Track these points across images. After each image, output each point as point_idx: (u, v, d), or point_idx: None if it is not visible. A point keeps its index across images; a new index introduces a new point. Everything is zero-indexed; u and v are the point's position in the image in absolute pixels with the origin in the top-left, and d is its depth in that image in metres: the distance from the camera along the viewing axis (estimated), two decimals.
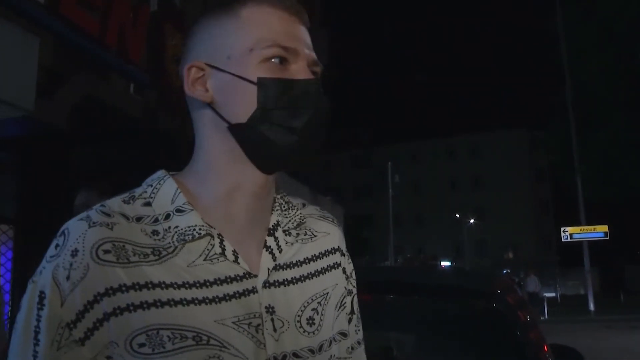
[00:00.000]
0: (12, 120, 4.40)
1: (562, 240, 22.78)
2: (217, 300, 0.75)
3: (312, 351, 0.82)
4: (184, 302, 0.73)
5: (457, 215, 48.50)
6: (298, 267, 0.85)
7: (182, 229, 0.77)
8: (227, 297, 0.76)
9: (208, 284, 0.76)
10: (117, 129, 6.04)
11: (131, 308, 0.72)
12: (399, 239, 43.46)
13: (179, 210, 0.78)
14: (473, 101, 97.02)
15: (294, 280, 0.84)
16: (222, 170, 0.81)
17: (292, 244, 0.86)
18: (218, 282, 0.76)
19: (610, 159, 20.12)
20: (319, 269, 0.88)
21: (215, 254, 0.78)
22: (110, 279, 0.72)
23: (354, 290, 0.96)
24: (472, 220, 48.87)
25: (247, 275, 0.79)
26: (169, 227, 0.77)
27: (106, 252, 0.72)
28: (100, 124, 5.91)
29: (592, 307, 21.49)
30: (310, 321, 0.83)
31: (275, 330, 0.79)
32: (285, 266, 0.84)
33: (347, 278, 0.94)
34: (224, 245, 0.78)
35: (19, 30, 4.26)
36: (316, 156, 0.84)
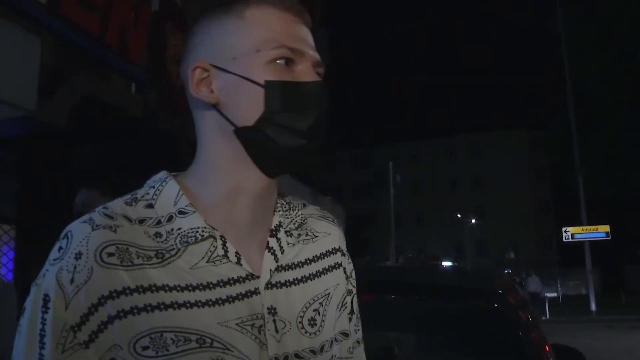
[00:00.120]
0: (12, 120, 4.40)
1: (564, 240, 22.77)
2: (220, 302, 0.75)
3: (313, 352, 0.82)
4: (188, 305, 0.73)
5: (458, 215, 48.50)
6: (300, 267, 0.85)
7: (184, 231, 0.76)
8: (230, 299, 0.76)
9: (211, 286, 0.76)
10: (117, 128, 6.04)
11: (135, 311, 0.71)
12: (400, 239, 43.44)
13: (181, 212, 0.78)
14: (473, 101, 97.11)
15: (296, 281, 0.84)
16: (226, 172, 0.80)
17: (293, 244, 0.86)
18: (221, 284, 0.76)
19: (610, 159, 20.11)
20: (321, 270, 0.88)
21: (218, 255, 0.77)
22: (114, 282, 0.71)
23: (354, 290, 0.96)
24: (472, 220, 48.87)
25: (249, 277, 0.79)
26: (172, 229, 0.77)
27: (110, 255, 0.72)
28: (100, 124, 5.91)
29: (593, 307, 21.50)
30: (312, 322, 0.83)
31: (277, 331, 0.78)
32: (287, 267, 0.84)
33: (347, 278, 0.94)
34: (227, 247, 0.78)
35: (19, 30, 4.26)
36: (321, 157, 0.84)
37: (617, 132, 19.72)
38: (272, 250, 0.83)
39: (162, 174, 0.84)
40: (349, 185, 56.72)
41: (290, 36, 0.79)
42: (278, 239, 0.84)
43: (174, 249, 0.76)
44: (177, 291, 0.74)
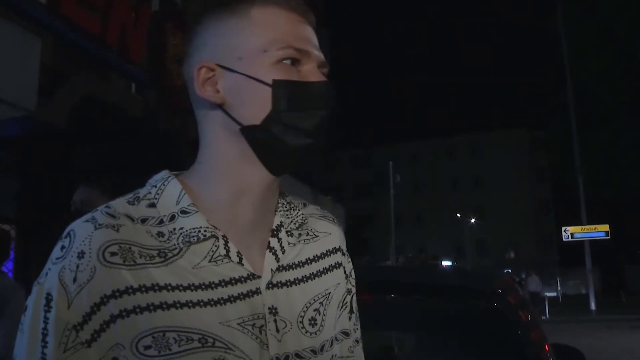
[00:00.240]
0: (13, 120, 4.40)
1: (564, 239, 22.79)
2: (222, 302, 0.75)
3: (314, 351, 0.82)
4: (190, 304, 0.74)
5: (458, 215, 48.50)
6: (300, 267, 0.86)
7: (187, 231, 0.77)
8: (232, 299, 0.76)
9: (213, 285, 0.76)
10: (117, 128, 6.05)
11: (137, 310, 0.72)
12: (400, 239, 43.46)
13: (183, 212, 0.78)
14: (473, 101, 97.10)
15: (297, 281, 0.84)
16: (230, 172, 0.80)
17: (294, 244, 0.86)
18: (223, 283, 0.76)
19: (610, 159, 20.11)
20: (321, 269, 0.89)
21: (220, 255, 0.78)
22: (116, 281, 0.72)
23: (353, 290, 0.97)
24: (472, 220, 48.88)
25: (251, 277, 0.79)
26: (174, 229, 0.77)
27: (113, 254, 0.72)
28: (100, 124, 5.92)
29: (593, 306, 21.50)
30: (312, 322, 0.84)
31: (278, 331, 0.79)
32: (288, 267, 0.84)
33: (346, 277, 0.95)
34: (229, 247, 0.78)
35: (19, 30, 4.26)
36: (326, 157, 0.84)
37: (617, 132, 19.72)
38: (273, 250, 0.83)
39: (164, 173, 0.84)
40: (349, 185, 56.72)
41: (296, 36, 0.80)
42: (279, 239, 0.84)
43: (176, 248, 0.76)
44: (180, 291, 0.74)
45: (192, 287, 0.75)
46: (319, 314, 0.85)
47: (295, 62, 0.79)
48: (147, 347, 0.71)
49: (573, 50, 22.09)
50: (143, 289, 0.72)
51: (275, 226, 0.85)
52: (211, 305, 0.75)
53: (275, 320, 0.79)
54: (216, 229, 0.78)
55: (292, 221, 0.88)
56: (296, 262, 0.85)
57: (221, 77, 0.79)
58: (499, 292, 2.38)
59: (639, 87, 19.49)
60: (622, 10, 19.05)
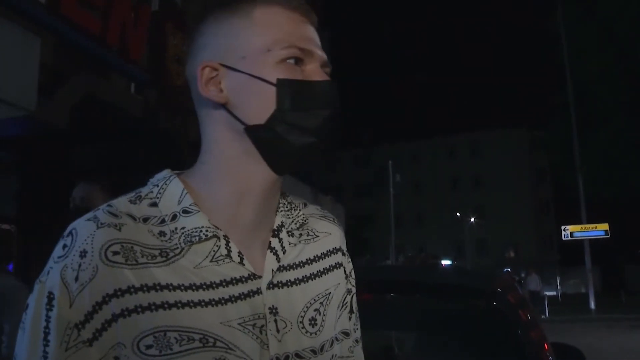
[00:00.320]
0: (13, 120, 4.40)
1: (563, 238, 22.80)
2: (223, 301, 0.76)
3: (314, 351, 0.82)
4: (191, 304, 0.74)
5: (458, 215, 48.49)
6: (301, 267, 0.86)
7: (188, 230, 0.77)
8: (233, 299, 0.76)
9: (214, 285, 0.76)
10: (117, 128, 6.05)
11: (139, 310, 0.72)
12: (400, 239, 43.43)
13: (185, 211, 0.78)
14: (473, 101, 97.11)
15: (297, 281, 0.84)
16: (233, 172, 0.80)
17: (295, 244, 0.86)
18: (224, 283, 0.77)
19: (610, 159, 20.13)
20: (322, 269, 0.89)
21: (221, 255, 0.78)
22: (118, 281, 0.72)
23: (353, 289, 0.97)
24: (472, 220, 48.87)
25: (251, 277, 0.79)
26: (176, 228, 0.77)
27: (115, 253, 0.72)
28: (100, 124, 5.92)
29: (593, 305, 21.50)
30: (313, 322, 0.84)
31: (278, 331, 0.79)
32: (288, 267, 0.84)
33: (346, 277, 0.95)
34: (230, 247, 0.79)
35: (19, 30, 4.26)
36: (330, 156, 0.85)
37: (617, 132, 19.74)
38: (274, 250, 0.83)
39: (166, 172, 0.84)
40: (349, 185, 56.72)
41: (300, 36, 0.80)
42: (280, 239, 0.85)
43: (177, 248, 0.76)
44: (181, 290, 0.74)
45: (194, 287, 0.75)
46: (319, 314, 0.85)
47: (298, 61, 0.79)
48: (149, 347, 0.71)
49: (573, 50, 22.10)
50: (145, 288, 0.72)
51: (277, 226, 0.85)
52: (212, 305, 0.75)
53: (275, 320, 0.79)
54: (217, 228, 0.78)
55: (293, 221, 0.88)
56: (297, 262, 0.85)
57: (225, 77, 0.79)
58: (499, 292, 2.38)
59: (639, 87, 19.50)
60: (622, 10, 19.07)
